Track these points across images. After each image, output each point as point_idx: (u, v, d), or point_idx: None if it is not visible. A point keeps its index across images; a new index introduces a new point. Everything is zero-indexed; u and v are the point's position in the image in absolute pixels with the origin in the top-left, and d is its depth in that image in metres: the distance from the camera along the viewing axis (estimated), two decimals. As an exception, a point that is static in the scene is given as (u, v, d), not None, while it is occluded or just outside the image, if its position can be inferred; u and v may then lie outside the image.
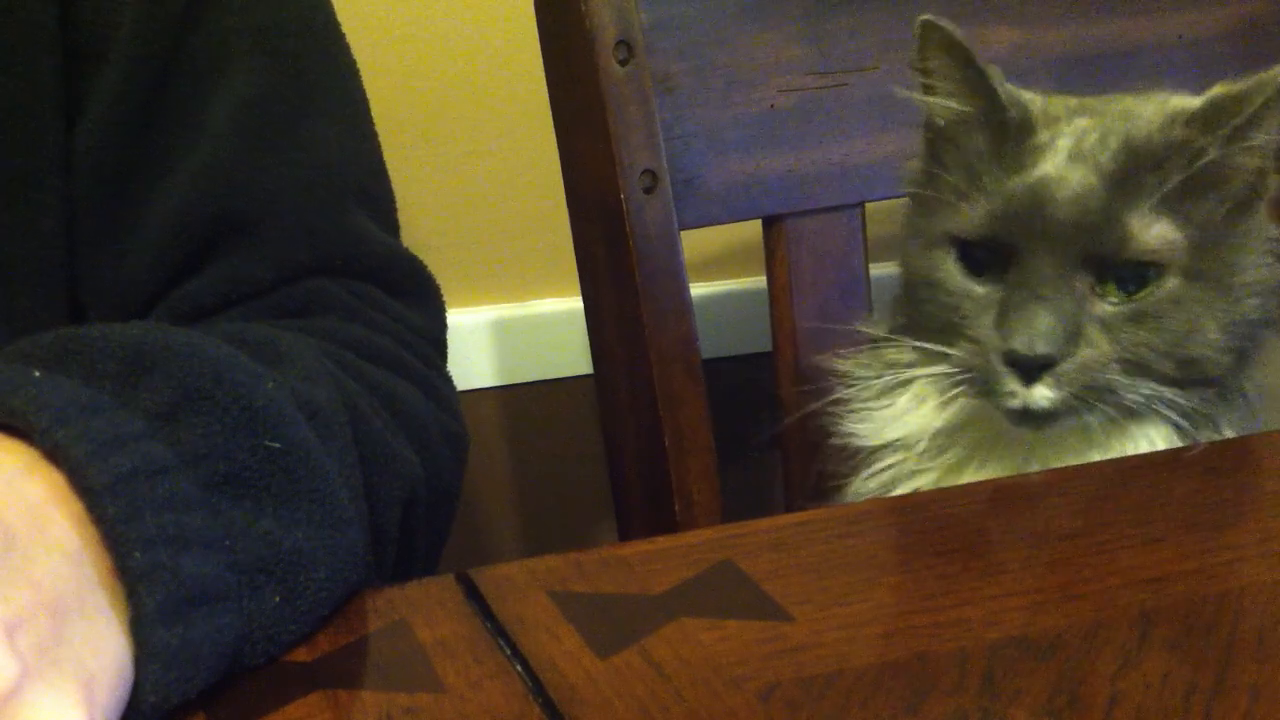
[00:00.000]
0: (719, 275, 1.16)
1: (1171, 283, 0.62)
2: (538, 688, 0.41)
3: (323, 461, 0.48)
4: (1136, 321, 0.62)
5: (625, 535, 0.91)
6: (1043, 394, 0.62)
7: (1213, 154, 0.61)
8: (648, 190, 0.82)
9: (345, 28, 0.70)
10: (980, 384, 0.64)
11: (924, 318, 0.68)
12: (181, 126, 0.62)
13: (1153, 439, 0.64)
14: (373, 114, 0.71)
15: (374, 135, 0.70)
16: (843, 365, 0.72)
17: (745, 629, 0.44)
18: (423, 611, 0.47)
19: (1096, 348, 0.62)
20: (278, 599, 0.44)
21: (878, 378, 0.70)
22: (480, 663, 0.43)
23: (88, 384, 0.43)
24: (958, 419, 0.68)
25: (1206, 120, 0.62)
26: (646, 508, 0.87)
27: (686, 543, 0.51)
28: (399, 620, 0.46)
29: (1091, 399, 0.62)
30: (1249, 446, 0.61)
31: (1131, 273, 0.62)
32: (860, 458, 0.71)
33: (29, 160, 0.61)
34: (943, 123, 0.67)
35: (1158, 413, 0.63)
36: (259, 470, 0.45)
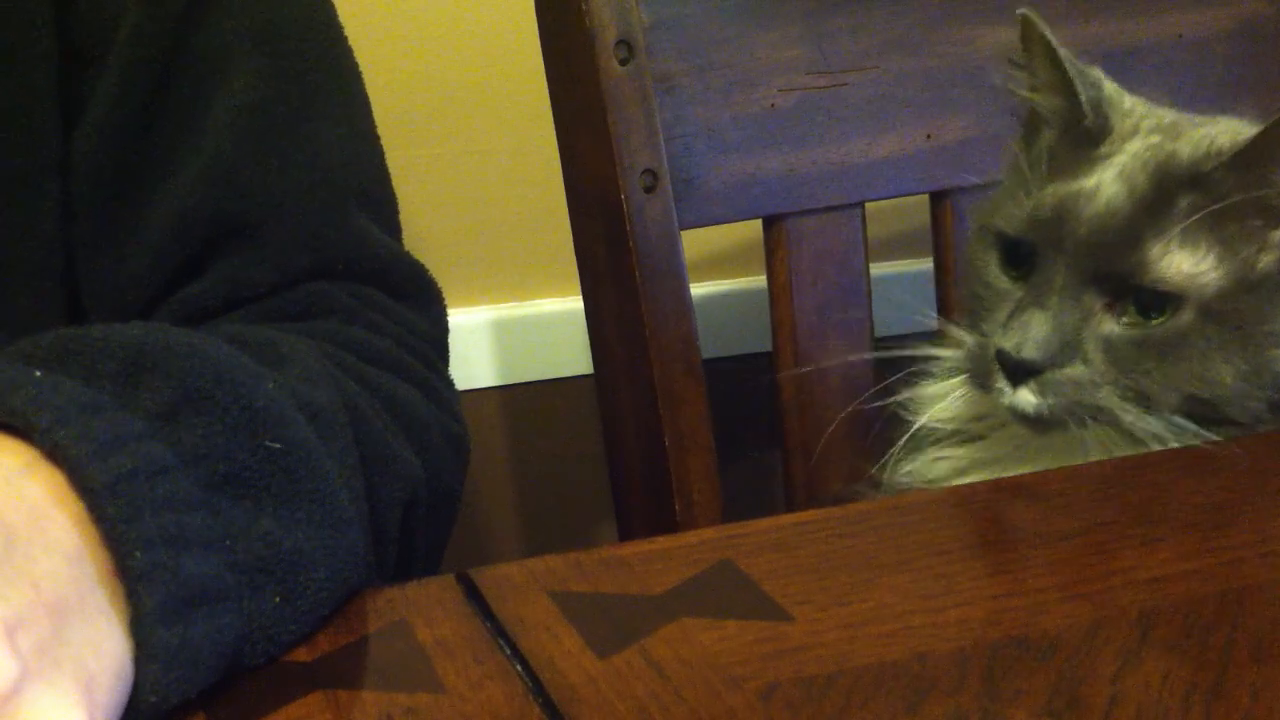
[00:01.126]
0: (719, 275, 1.16)
1: (1186, 318, 0.61)
2: (538, 688, 0.41)
3: (323, 462, 0.48)
4: (1142, 349, 0.61)
5: (625, 535, 0.91)
6: (1026, 398, 0.62)
7: (1237, 195, 0.60)
8: (648, 190, 0.82)
9: (345, 28, 0.70)
10: (976, 377, 0.64)
11: (966, 302, 0.68)
12: (182, 129, 0.62)
13: None
14: (373, 114, 0.71)
15: (376, 137, 0.70)
16: (922, 346, 0.72)
17: (745, 629, 0.44)
18: (423, 611, 0.47)
19: (1091, 366, 0.61)
20: (278, 599, 0.44)
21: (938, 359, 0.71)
22: (480, 663, 0.43)
23: (88, 384, 0.43)
24: (985, 410, 0.68)
25: (1242, 157, 0.60)
26: (646, 508, 0.87)
27: (686, 543, 0.51)
28: (399, 620, 0.46)
29: (1083, 415, 0.61)
30: (1249, 446, 0.61)
31: (1149, 299, 0.61)
32: (917, 440, 0.71)
33: (28, 162, 0.61)
34: (1038, 115, 0.68)
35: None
36: (259, 470, 0.45)
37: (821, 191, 0.86)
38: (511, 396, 1.15)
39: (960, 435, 0.70)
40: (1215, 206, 0.60)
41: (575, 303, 0.99)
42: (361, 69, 0.70)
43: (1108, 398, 0.61)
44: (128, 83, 0.61)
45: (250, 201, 0.62)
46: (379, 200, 0.68)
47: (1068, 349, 0.61)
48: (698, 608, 0.46)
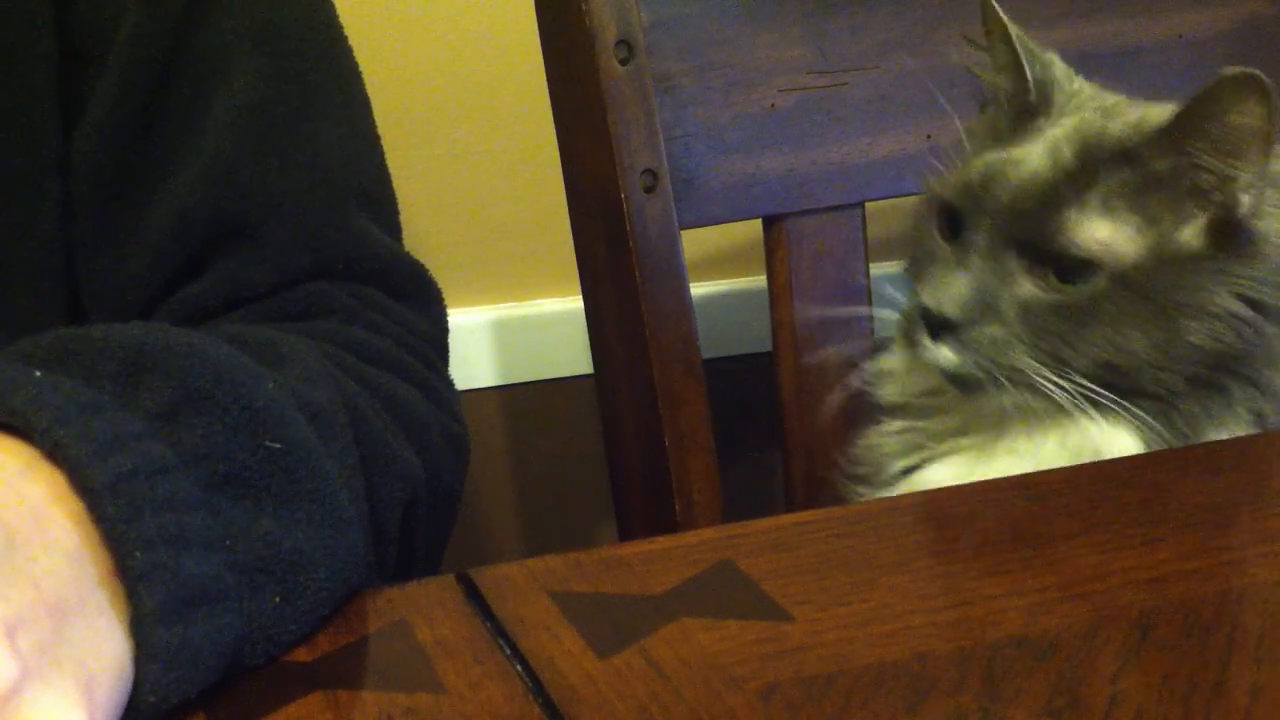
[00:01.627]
0: (719, 275, 1.16)
1: (1101, 285, 0.62)
2: (538, 688, 0.41)
3: (323, 462, 0.48)
4: (1058, 313, 0.63)
5: (625, 535, 0.91)
6: (946, 354, 0.64)
7: (1159, 169, 0.62)
8: (648, 190, 0.82)
9: (345, 28, 0.70)
10: (907, 336, 0.66)
11: (909, 266, 0.71)
12: (182, 129, 0.62)
13: (1119, 441, 0.64)
14: (374, 114, 0.71)
15: (376, 138, 0.70)
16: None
17: (745, 629, 0.44)
18: (423, 611, 0.47)
19: (1008, 327, 0.63)
20: (278, 599, 0.44)
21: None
22: (480, 663, 0.43)
23: (88, 384, 0.43)
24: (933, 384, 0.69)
25: (1165, 132, 0.63)
26: (647, 508, 0.87)
27: (686, 543, 0.51)
28: (399, 620, 0.46)
29: (997, 374, 0.63)
30: (1249, 446, 0.61)
31: (1068, 266, 0.63)
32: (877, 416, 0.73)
33: (28, 162, 0.61)
34: (991, 94, 0.71)
35: (1116, 413, 0.63)
36: (259, 470, 0.45)
37: (821, 191, 0.86)
38: (511, 396, 1.15)
39: (909, 410, 0.72)
40: (1133, 179, 0.62)
41: (575, 303, 0.99)
42: (361, 69, 0.70)
43: (1022, 359, 0.63)
44: (128, 83, 0.61)
45: (250, 201, 0.62)
46: (379, 200, 0.68)
47: (986, 309, 0.63)
48: (698, 608, 0.46)
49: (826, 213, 0.87)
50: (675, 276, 0.83)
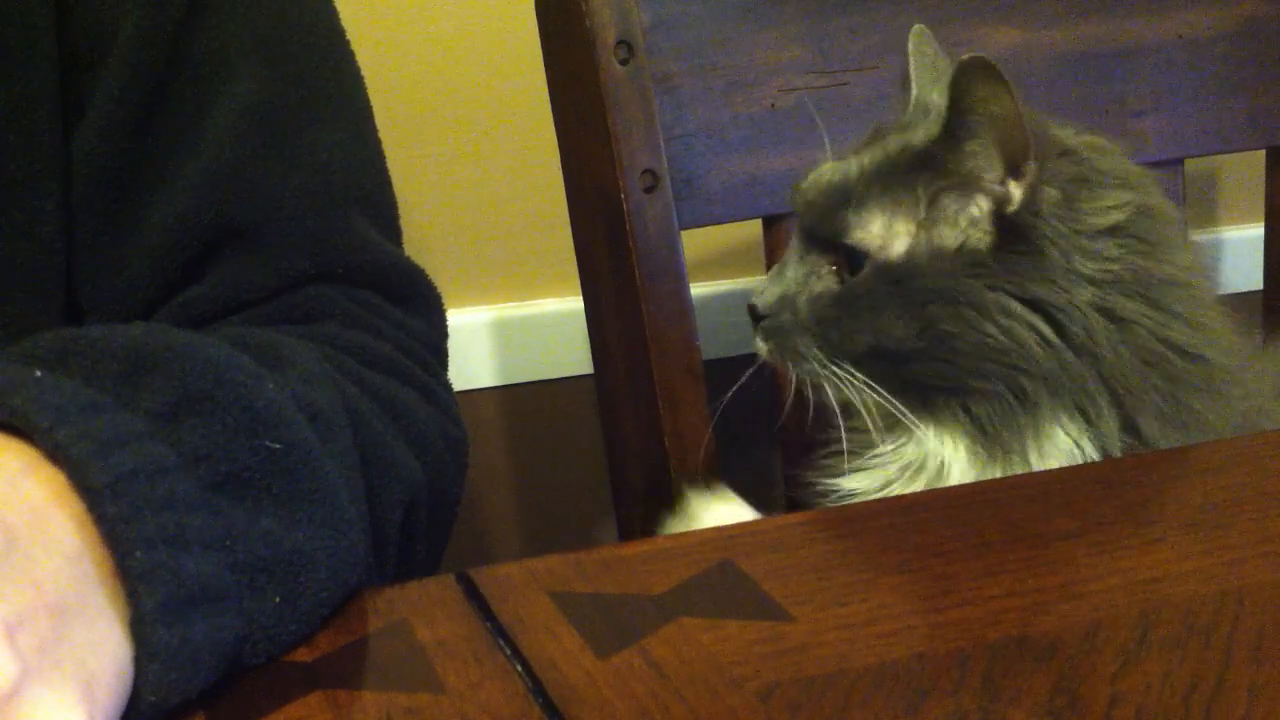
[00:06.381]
0: (719, 275, 1.16)
1: (867, 275, 0.67)
2: (538, 688, 0.41)
3: (323, 463, 0.48)
4: (836, 303, 0.68)
5: (625, 535, 0.91)
6: (758, 342, 0.71)
7: (948, 165, 0.65)
8: (648, 190, 0.82)
9: (345, 28, 0.69)
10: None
11: None
12: (182, 132, 0.62)
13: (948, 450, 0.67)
14: (373, 112, 0.71)
15: (377, 141, 0.70)
16: None
17: (745, 629, 0.44)
18: (423, 611, 0.47)
19: (797, 316, 0.69)
20: (278, 599, 0.44)
21: None
22: (480, 663, 0.43)
23: (89, 384, 0.43)
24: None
25: (943, 136, 0.66)
26: (647, 507, 0.87)
27: (686, 543, 0.51)
28: (399, 620, 0.46)
29: (786, 358, 0.69)
30: (1249, 446, 0.61)
31: (852, 260, 0.68)
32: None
33: (27, 165, 0.61)
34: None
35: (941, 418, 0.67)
36: (260, 471, 0.45)
37: (821, 191, 0.86)
38: (511, 396, 1.15)
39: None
40: (927, 180, 0.66)
41: (575, 303, 0.99)
42: (362, 69, 0.70)
43: (806, 345, 0.68)
44: (128, 86, 0.61)
45: (250, 205, 0.62)
46: (379, 204, 0.68)
47: (786, 301, 0.69)
48: (698, 608, 0.46)
49: (826, 213, 0.86)
50: (675, 276, 0.83)
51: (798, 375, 0.69)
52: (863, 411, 0.67)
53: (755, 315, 0.71)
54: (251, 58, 0.63)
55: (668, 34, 0.83)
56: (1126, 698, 0.39)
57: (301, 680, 0.43)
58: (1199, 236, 1.26)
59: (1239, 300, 1.21)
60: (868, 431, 0.69)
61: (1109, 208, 0.66)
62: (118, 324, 0.48)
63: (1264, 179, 1.02)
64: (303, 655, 0.45)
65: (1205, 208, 1.30)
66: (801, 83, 0.86)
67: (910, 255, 0.66)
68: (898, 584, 0.47)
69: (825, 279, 0.69)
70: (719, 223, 0.86)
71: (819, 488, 0.71)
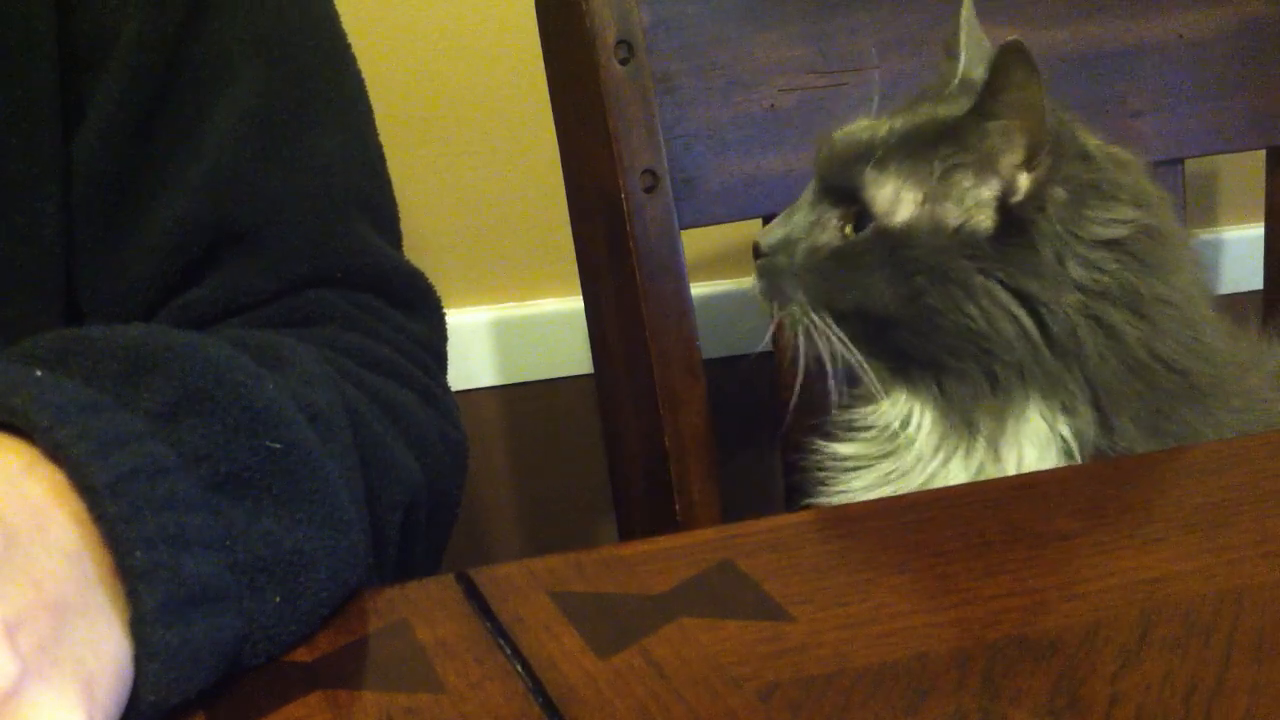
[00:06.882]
0: (719, 275, 1.16)
1: (869, 235, 0.67)
2: (538, 688, 0.41)
3: (323, 463, 0.48)
4: (833, 256, 0.68)
5: (625, 535, 0.91)
6: (753, 279, 0.71)
7: (970, 143, 0.66)
8: (648, 190, 0.82)
9: (345, 28, 0.69)
10: None
11: None
12: (182, 136, 0.62)
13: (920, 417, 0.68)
14: (374, 116, 0.71)
15: (378, 145, 0.70)
16: None
17: (745, 629, 0.44)
18: (423, 611, 0.47)
19: (794, 260, 0.69)
20: (278, 599, 0.44)
21: None
22: (480, 663, 0.43)
23: (89, 383, 0.43)
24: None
25: (970, 114, 0.66)
26: (647, 507, 0.87)
27: (686, 543, 0.51)
28: (399, 620, 0.46)
29: (771, 297, 0.70)
30: (1249, 446, 0.61)
31: (860, 217, 0.68)
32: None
33: (28, 168, 0.61)
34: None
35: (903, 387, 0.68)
36: (260, 471, 0.45)
37: (821, 191, 0.86)
38: (511, 396, 1.15)
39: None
40: (947, 155, 0.66)
41: (575, 303, 0.99)
42: (362, 69, 0.70)
43: (794, 289, 0.69)
44: (129, 89, 0.61)
45: (250, 208, 0.62)
46: (380, 208, 0.68)
47: (788, 244, 0.70)
48: (698, 608, 0.46)
49: (826, 213, 0.87)
50: (675, 276, 0.83)
51: (779, 317, 0.70)
52: (828, 366, 0.68)
53: (756, 252, 0.72)
54: (252, 61, 0.63)
55: (668, 34, 0.83)
56: (1126, 698, 0.39)
57: (301, 680, 0.43)
58: (1199, 237, 1.26)
59: (1239, 300, 1.21)
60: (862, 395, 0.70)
61: (1113, 220, 0.66)
62: (118, 325, 0.48)
63: (1264, 179, 1.02)
64: (303, 655, 0.45)
65: (1205, 208, 1.30)
66: (801, 83, 0.86)
67: (912, 224, 0.66)
68: (898, 584, 0.47)
69: (830, 231, 0.69)
70: (719, 223, 0.86)
71: (814, 450, 0.72)
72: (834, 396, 0.70)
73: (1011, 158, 0.65)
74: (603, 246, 0.85)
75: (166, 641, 0.40)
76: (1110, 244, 0.66)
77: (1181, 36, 0.94)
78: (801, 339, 0.69)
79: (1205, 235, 1.28)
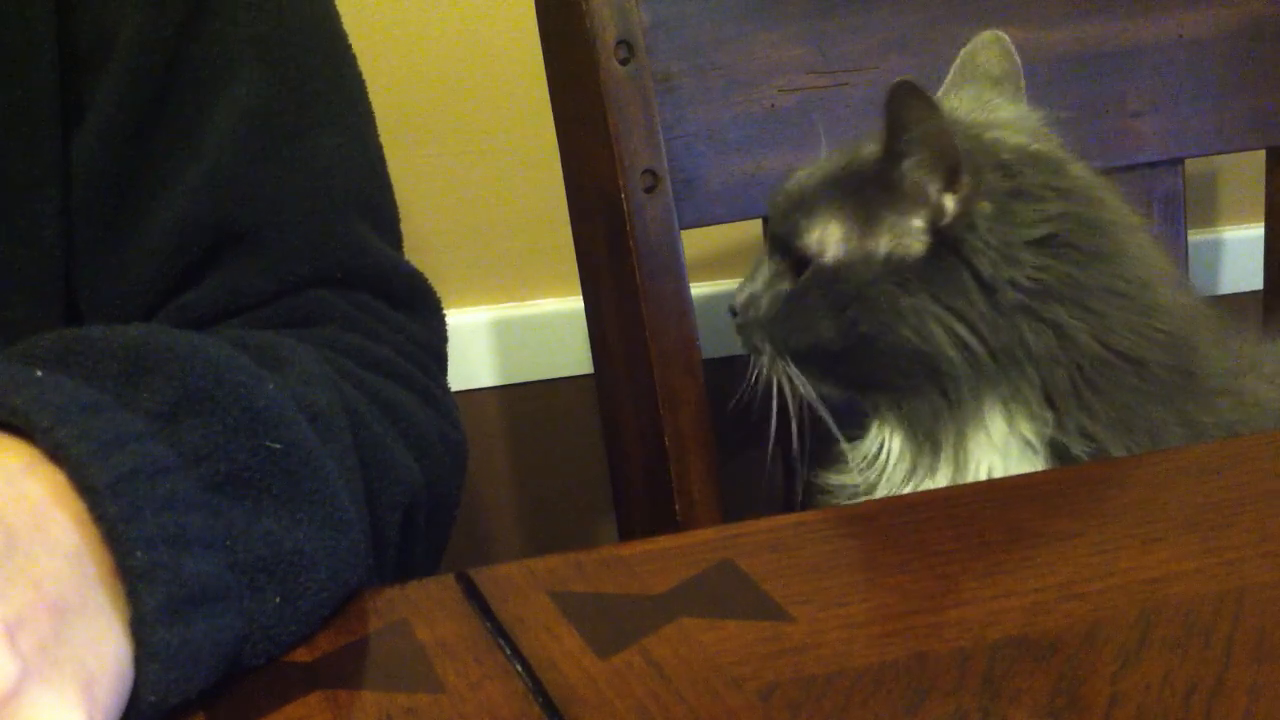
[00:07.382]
0: (719, 275, 1.16)
1: (808, 277, 0.70)
2: (538, 688, 0.41)
3: (324, 463, 0.48)
4: (786, 302, 0.72)
5: (625, 535, 0.91)
6: (738, 337, 0.75)
7: (891, 177, 0.68)
8: (648, 190, 0.82)
9: (345, 28, 0.69)
10: None
11: None
12: (182, 136, 0.62)
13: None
14: (374, 116, 0.71)
15: (378, 145, 0.70)
16: None
17: (745, 629, 0.44)
18: (423, 611, 0.47)
19: (759, 313, 0.73)
20: (278, 599, 0.44)
21: None
22: (480, 663, 0.43)
23: (89, 384, 0.43)
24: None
25: (885, 145, 0.68)
26: (647, 507, 0.87)
27: (686, 543, 0.51)
28: (399, 620, 0.46)
29: (752, 354, 0.74)
30: (1249, 446, 0.61)
31: (803, 263, 0.71)
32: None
33: (28, 168, 0.61)
34: None
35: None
36: (260, 471, 0.45)
37: (821, 191, 0.86)
38: (511, 396, 1.15)
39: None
40: (872, 190, 0.69)
41: (575, 303, 0.99)
42: (362, 70, 0.70)
43: (762, 340, 0.73)
44: (129, 89, 0.61)
45: (250, 209, 0.62)
46: (380, 208, 0.68)
47: (754, 300, 0.74)
48: (698, 608, 0.46)
49: (826, 213, 0.87)
50: (675, 276, 0.83)
51: (756, 369, 0.73)
52: (790, 406, 0.72)
53: (732, 312, 0.75)
54: (252, 62, 0.63)
55: (668, 34, 0.83)
56: (1126, 698, 0.39)
57: (301, 680, 0.43)
58: (1199, 237, 1.26)
59: (1239, 300, 1.21)
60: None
61: (1041, 219, 0.67)
62: (118, 325, 0.48)
63: (1264, 179, 1.02)
64: (303, 655, 0.45)
65: (1205, 208, 1.30)
66: (801, 83, 0.86)
67: (844, 260, 0.69)
68: (898, 584, 0.47)
69: (785, 280, 0.73)
70: (719, 223, 0.86)
71: (816, 481, 0.74)
72: (834, 431, 0.72)
73: (934, 186, 0.67)
74: (603, 246, 0.85)
75: (166, 642, 0.40)
76: (1043, 241, 0.67)
77: (1181, 36, 0.94)
78: (774, 385, 0.72)
79: (1205, 235, 1.28)
